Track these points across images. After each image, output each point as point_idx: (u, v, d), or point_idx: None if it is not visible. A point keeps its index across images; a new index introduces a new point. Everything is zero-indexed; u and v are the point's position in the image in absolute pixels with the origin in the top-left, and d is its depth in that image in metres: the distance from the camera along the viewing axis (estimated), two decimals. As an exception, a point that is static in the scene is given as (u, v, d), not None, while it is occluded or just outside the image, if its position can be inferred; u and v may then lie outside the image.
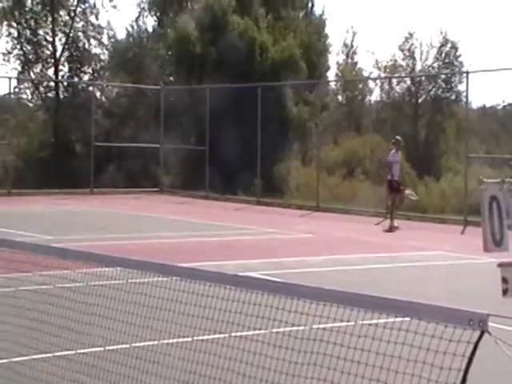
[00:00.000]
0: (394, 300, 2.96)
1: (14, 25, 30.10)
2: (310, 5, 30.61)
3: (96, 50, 31.20)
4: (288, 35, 26.51)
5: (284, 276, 8.97)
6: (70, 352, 4.97)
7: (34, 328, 5.03)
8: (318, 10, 31.64)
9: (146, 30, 30.17)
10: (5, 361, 5.28)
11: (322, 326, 3.55)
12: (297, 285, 3.39)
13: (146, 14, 30.82)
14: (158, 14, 30.84)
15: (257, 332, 3.93)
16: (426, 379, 3.03)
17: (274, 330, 3.85)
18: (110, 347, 4.73)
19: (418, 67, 30.41)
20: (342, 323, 3.38)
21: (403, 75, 30.53)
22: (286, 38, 26.34)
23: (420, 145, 27.63)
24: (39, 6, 30.40)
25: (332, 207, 20.05)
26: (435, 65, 30.23)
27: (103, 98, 30.36)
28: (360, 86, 32.33)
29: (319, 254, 12.13)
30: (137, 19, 30.43)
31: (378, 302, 3.02)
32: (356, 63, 34.60)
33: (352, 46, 34.22)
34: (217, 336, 4.21)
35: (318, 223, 17.60)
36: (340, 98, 31.78)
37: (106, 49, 31.08)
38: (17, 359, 5.24)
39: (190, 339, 4.43)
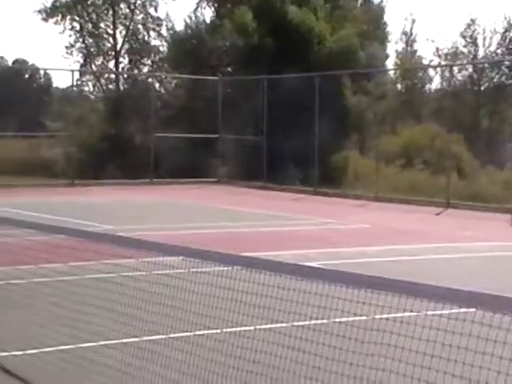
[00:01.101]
0: (457, 290, 2.92)
1: (77, 19, 30.64)
2: (368, -8, 30.32)
3: (155, 42, 31.56)
4: (346, 24, 26.28)
5: (342, 266, 8.91)
6: (134, 339, 5.07)
7: (99, 315, 5.14)
8: (376, -2, 31.09)
9: (204, 21, 30.28)
10: (72, 346, 5.41)
11: (384, 316, 3.53)
12: (357, 274, 3.38)
13: (203, 5, 30.96)
14: (215, 6, 30.93)
15: (318, 322, 3.93)
16: (496, 371, 2.97)
17: (336, 320, 3.85)
18: (173, 335, 4.81)
19: (481, 54, 29.76)
20: (405, 313, 3.35)
21: (465, 62, 29.95)
22: (345, 27, 26.11)
23: (482, 134, 27.09)
24: (100, 0, 30.85)
25: (390, 197, 19.82)
26: (499, 51, 29.55)
27: (162, 90, 30.65)
28: (420, 74, 31.84)
29: (377, 245, 12.04)
30: (195, 11, 30.58)
31: (440, 292, 2.99)
32: (415, 51, 34.06)
33: (411, 34, 33.67)
34: (278, 325, 4.23)
35: (376, 213, 17.45)
36: (399, 86, 31.36)
37: (165, 40, 31.37)
38: (83, 345, 5.36)
39: (252, 328, 4.46)
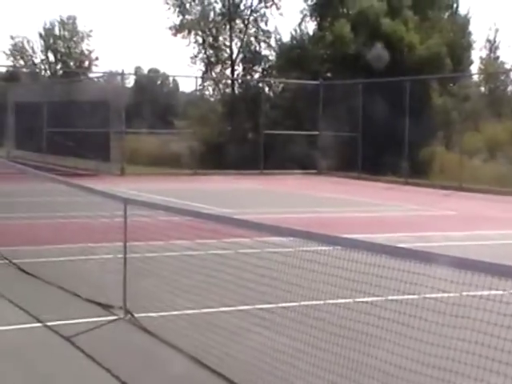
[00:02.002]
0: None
1: (200, 33, 31.15)
2: (455, 5, 29.27)
3: (265, 52, 31.64)
4: (434, 34, 25.52)
5: (431, 248, 8.67)
6: (248, 307, 5.12)
7: (218, 285, 5.21)
8: (462, 10, 30.06)
9: (308, 33, 30.12)
10: (196, 311, 5.52)
11: (471, 293, 3.40)
12: (445, 255, 3.28)
13: (307, 19, 30.77)
14: (318, 19, 30.68)
15: (410, 297, 3.84)
16: None
17: (427, 296, 3.75)
18: (282, 304, 4.82)
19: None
20: (491, 291, 3.23)
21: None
22: (433, 37, 25.37)
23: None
24: (220, 17, 31.24)
25: (474, 188, 19.14)
26: None
27: (271, 93, 30.72)
28: (502, 77, 30.54)
29: (462, 230, 11.65)
30: (299, 24, 30.45)
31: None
32: (498, 57, 32.72)
33: (495, 42, 32.36)
34: (374, 299, 4.16)
35: (461, 202, 16.89)
36: (482, 89, 30.19)
37: (274, 50, 31.40)
38: (206, 310, 5.46)
39: (350, 300, 4.41)
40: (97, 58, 46.76)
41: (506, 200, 17.09)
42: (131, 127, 24.28)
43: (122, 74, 24.56)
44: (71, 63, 46.15)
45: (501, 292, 3.20)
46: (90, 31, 46.41)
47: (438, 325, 3.54)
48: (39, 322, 5.67)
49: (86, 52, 46.82)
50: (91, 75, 42.01)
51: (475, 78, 30.07)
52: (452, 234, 11.05)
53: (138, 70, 45.66)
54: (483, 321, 3.30)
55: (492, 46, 32.46)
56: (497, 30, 33.76)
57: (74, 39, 46.76)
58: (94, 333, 5.47)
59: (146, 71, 45.20)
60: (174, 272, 5.87)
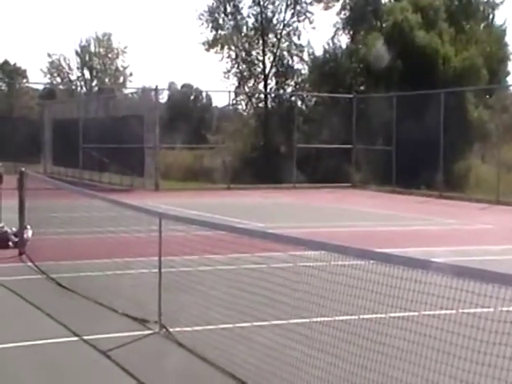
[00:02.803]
0: None
1: (233, 48, 31.42)
2: (490, 17, 29.02)
3: (298, 66, 31.76)
4: (470, 46, 25.31)
5: (467, 263, 8.54)
6: (282, 321, 5.11)
7: (253, 300, 5.22)
8: (498, 21, 29.73)
9: (341, 46, 30.14)
10: (230, 325, 5.53)
11: (510, 308, 3.36)
12: (482, 270, 3.24)
13: (340, 32, 30.83)
14: (351, 33, 30.70)
15: (448, 312, 3.80)
16: None
17: (465, 311, 3.71)
18: (315, 319, 4.81)
19: None
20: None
21: None
22: (468, 49, 25.16)
23: None
24: (252, 32, 31.48)
25: (511, 201, 18.84)
26: None
27: (304, 107, 30.77)
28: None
29: (500, 244, 11.47)
30: (332, 38, 30.52)
31: None
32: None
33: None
34: (409, 314, 4.13)
35: (498, 216, 16.63)
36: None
37: (307, 64, 31.50)
38: (240, 325, 5.47)
39: (383, 315, 4.38)
40: (131, 74, 47.55)
41: (545, 213, 16.79)
42: (165, 142, 24.54)
43: (156, 90, 24.88)
44: (106, 79, 46.93)
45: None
46: (125, 47, 47.23)
47: (477, 341, 3.50)
48: (76, 335, 5.75)
49: (121, 68, 47.61)
50: (126, 91, 42.68)
51: (512, 89, 29.67)
52: (489, 248, 10.89)
53: (171, 85, 46.26)
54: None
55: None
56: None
57: (109, 56, 47.59)
58: (130, 347, 5.53)
59: (179, 86, 45.69)
60: (208, 286, 5.91)
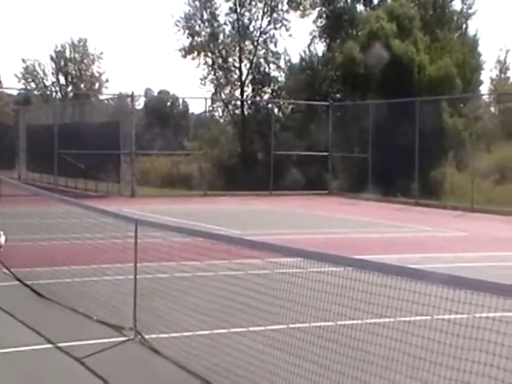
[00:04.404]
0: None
1: (209, 55, 31.44)
2: (464, 26, 29.45)
3: (274, 73, 31.87)
4: (444, 55, 25.63)
5: (441, 269, 8.60)
6: (260, 328, 5.12)
7: (230, 306, 5.23)
8: (471, 31, 30.20)
9: (317, 54, 30.33)
10: (207, 332, 5.53)
11: (484, 314, 3.41)
12: (457, 276, 3.28)
13: (316, 40, 31.03)
14: (327, 41, 30.92)
15: (423, 318, 3.84)
16: None
17: (439, 317, 3.76)
18: (292, 325, 4.83)
19: None
20: (504, 313, 3.23)
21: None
22: (443, 58, 25.48)
23: None
24: (229, 39, 31.55)
25: (485, 209, 19.08)
26: None
27: (280, 114, 30.88)
28: (512, 98, 30.52)
29: (474, 251, 11.61)
30: (309, 45, 30.70)
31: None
32: (508, 78, 32.77)
33: (505, 63, 32.43)
34: (385, 320, 4.17)
35: (473, 223, 16.83)
36: (493, 109, 30.22)
37: (283, 71, 31.63)
38: (217, 331, 5.47)
39: (360, 322, 4.41)
40: (107, 80, 47.19)
41: (517, 221, 17.02)
42: (141, 149, 24.44)
43: (132, 96, 24.78)
44: (82, 85, 46.59)
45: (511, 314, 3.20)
46: (101, 53, 46.91)
47: (452, 347, 3.54)
48: (51, 343, 5.70)
49: (97, 74, 47.29)
50: (102, 97, 42.41)
51: (485, 98, 30.13)
52: (463, 255, 11.02)
53: (148, 91, 46.03)
54: (496, 343, 3.30)
55: (502, 66, 32.53)
56: (507, 51, 33.77)
57: (85, 61, 47.25)
58: (105, 354, 5.49)
59: (156, 93, 45.53)
60: (185, 293, 5.90)
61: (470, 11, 29.68)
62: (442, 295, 3.50)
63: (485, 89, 30.97)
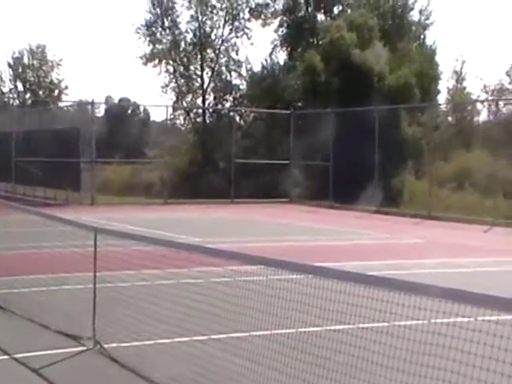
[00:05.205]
0: (502, 298, 2.85)
1: (171, 62, 31.37)
2: (422, 37, 30.03)
3: (236, 81, 31.97)
4: (403, 65, 26.09)
5: (399, 276, 8.73)
6: (222, 336, 5.13)
7: (191, 314, 5.22)
8: (429, 42, 30.77)
9: (279, 63, 30.55)
10: (168, 340, 5.51)
11: (439, 320, 3.48)
12: (414, 283, 3.35)
13: (278, 49, 31.24)
14: (288, 49, 31.16)
15: (382, 324, 3.91)
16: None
17: (396, 323, 3.82)
18: (254, 333, 4.85)
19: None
20: (458, 318, 3.31)
21: (510, 98, 29.39)
22: (402, 68, 25.93)
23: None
24: (191, 47, 31.53)
25: (443, 216, 19.44)
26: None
27: (242, 122, 30.97)
28: (469, 108, 31.24)
29: (431, 257, 11.81)
30: (270, 54, 30.90)
31: (489, 299, 2.93)
32: (465, 88, 33.49)
33: (461, 73, 33.14)
34: (345, 327, 4.22)
35: (431, 230, 17.12)
36: (450, 119, 30.83)
37: (245, 80, 31.75)
38: (179, 339, 5.45)
39: (320, 329, 4.46)
40: (67, 87, 46.63)
41: (473, 228, 17.37)
42: (102, 156, 24.21)
43: (92, 103, 24.55)
44: (40, 92, 45.95)
45: (467, 319, 3.28)
46: (60, 60, 46.35)
47: (409, 352, 3.61)
48: (7, 354, 5.61)
49: (56, 81, 46.69)
50: (61, 104, 41.93)
51: (443, 108, 30.71)
52: (421, 262, 11.20)
53: (108, 99, 45.65)
54: (452, 348, 3.38)
55: (459, 76, 33.22)
56: (463, 62, 34.50)
57: (44, 68, 46.62)
58: (62, 364, 5.43)
59: (116, 100, 45.19)
60: (146, 301, 5.87)
61: (428, 22, 30.30)
62: (399, 301, 3.56)
63: (442, 98, 31.59)
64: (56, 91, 46.60)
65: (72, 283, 7.40)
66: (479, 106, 30.55)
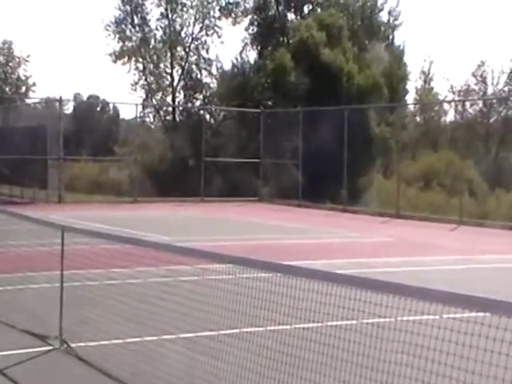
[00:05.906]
0: (467, 296, 2.90)
1: (140, 60, 31.15)
2: (390, 37, 30.32)
3: (206, 80, 31.89)
4: (371, 64, 26.32)
5: (367, 274, 8.80)
6: (190, 334, 5.12)
7: (159, 313, 5.20)
8: (398, 42, 31.12)
9: (249, 61, 30.55)
10: (137, 339, 5.48)
11: (405, 318, 3.52)
12: (382, 281, 3.38)
13: (248, 48, 31.24)
14: (258, 48, 31.18)
15: (350, 322, 3.94)
16: (503, 368, 2.97)
17: (364, 321, 3.86)
18: (223, 331, 4.85)
19: (490, 91, 29.69)
20: (423, 316, 3.35)
21: (476, 98, 29.88)
22: (370, 67, 26.16)
23: (491, 160, 26.75)
24: (161, 44, 31.35)
25: (410, 215, 19.66)
26: (505, 89, 29.50)
27: (212, 120, 30.90)
28: (436, 108, 31.66)
29: (399, 256, 11.95)
30: (241, 53, 30.89)
31: (453, 297, 2.96)
32: (432, 88, 33.91)
33: (429, 73, 33.55)
34: (314, 325, 4.24)
35: (398, 229, 17.31)
36: (418, 118, 31.21)
37: (215, 78, 31.70)
38: (148, 338, 5.43)
39: (289, 327, 4.48)
40: (34, 84, 45.95)
41: (439, 227, 17.61)
42: (70, 154, 23.94)
43: (60, 100, 24.26)
44: (7, 89, 45.22)
45: (432, 317, 3.32)
46: (28, 56, 45.64)
47: (376, 349, 3.64)
48: (-29, 354, 5.52)
49: (23, 77, 46.00)
50: (28, 101, 41.30)
51: (411, 107, 31.07)
52: (388, 260, 11.32)
53: (77, 96, 45.15)
54: (418, 345, 3.42)
55: (426, 77, 33.62)
56: (431, 62, 34.92)
57: (10, 64, 45.88)
58: (28, 364, 5.36)
59: (85, 97, 44.72)
60: (114, 300, 5.83)
61: (397, 22, 30.61)
62: (367, 299, 3.60)
63: (410, 98, 31.96)
64: (23, 88, 45.92)
65: (39, 282, 7.31)
66: (446, 106, 31.02)
